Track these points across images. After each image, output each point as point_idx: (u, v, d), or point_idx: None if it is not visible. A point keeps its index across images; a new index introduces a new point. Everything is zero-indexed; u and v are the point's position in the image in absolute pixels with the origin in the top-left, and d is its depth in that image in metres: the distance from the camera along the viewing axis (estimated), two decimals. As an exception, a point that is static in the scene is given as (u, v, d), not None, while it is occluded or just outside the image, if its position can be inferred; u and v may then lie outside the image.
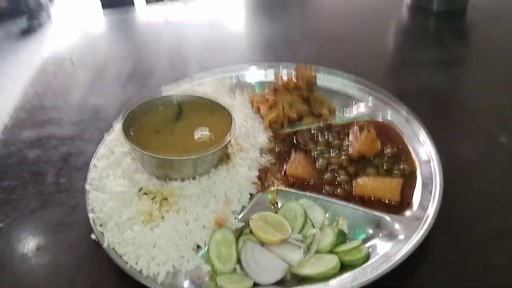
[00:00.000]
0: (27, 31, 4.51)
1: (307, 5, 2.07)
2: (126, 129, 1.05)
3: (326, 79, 1.40)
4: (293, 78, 1.36)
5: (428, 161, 1.09)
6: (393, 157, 1.13)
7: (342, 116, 1.31)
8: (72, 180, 1.15)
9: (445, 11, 1.86)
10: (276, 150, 1.19)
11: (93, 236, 0.96)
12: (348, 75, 1.38)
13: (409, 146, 1.16)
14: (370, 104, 1.30)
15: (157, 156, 0.97)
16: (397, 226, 0.94)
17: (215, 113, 1.14)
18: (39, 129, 1.35)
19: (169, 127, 1.10)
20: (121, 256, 0.90)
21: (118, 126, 1.19)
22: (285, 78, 1.38)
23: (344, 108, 1.32)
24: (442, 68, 1.55)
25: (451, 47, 1.65)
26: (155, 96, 1.17)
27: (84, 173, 1.11)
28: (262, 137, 1.21)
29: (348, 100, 1.34)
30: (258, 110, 1.33)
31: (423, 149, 1.13)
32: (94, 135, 1.30)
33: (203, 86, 1.40)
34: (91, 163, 1.12)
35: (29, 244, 0.99)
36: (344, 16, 1.87)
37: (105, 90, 1.51)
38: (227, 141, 1.03)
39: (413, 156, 1.13)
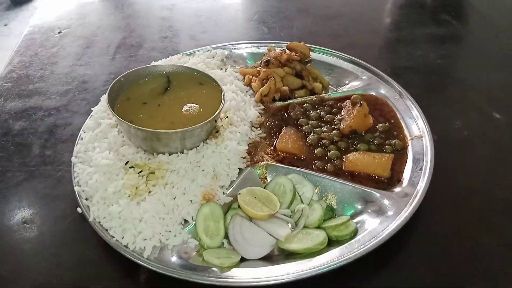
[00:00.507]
0: (19, 2, 4.28)
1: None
2: (111, 100, 1.01)
3: (320, 55, 1.35)
4: (286, 51, 1.31)
5: (420, 137, 1.06)
6: (385, 133, 1.10)
7: (335, 90, 1.27)
8: (57, 152, 1.10)
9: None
10: (267, 124, 1.15)
11: (79, 210, 0.93)
12: (342, 52, 1.34)
13: (401, 122, 1.13)
14: (364, 79, 1.26)
15: (144, 129, 0.93)
16: (386, 202, 0.92)
17: (204, 85, 1.09)
18: (25, 100, 1.28)
19: (156, 99, 1.06)
20: (107, 230, 0.88)
21: (104, 97, 1.14)
22: (278, 50, 1.32)
23: (338, 83, 1.29)
24: (438, 45, 1.50)
25: (447, 24, 1.58)
26: (143, 66, 1.12)
27: (70, 145, 1.07)
28: (253, 111, 1.17)
29: (342, 75, 1.29)
30: (249, 83, 1.28)
31: (415, 125, 1.10)
32: (81, 107, 1.25)
33: (193, 57, 1.34)
34: (78, 136, 1.08)
35: (14, 217, 0.95)
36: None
37: (93, 61, 1.44)
38: (216, 114, 0.99)
39: (405, 131, 1.10)
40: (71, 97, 1.28)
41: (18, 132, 1.16)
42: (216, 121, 1.04)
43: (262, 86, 1.23)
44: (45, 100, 1.27)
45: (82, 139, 1.06)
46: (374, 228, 0.86)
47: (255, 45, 1.43)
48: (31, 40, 1.56)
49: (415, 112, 1.12)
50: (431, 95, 1.27)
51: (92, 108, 1.14)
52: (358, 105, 1.10)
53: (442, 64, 1.42)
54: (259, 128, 1.13)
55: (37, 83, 1.34)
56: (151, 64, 1.16)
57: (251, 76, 1.29)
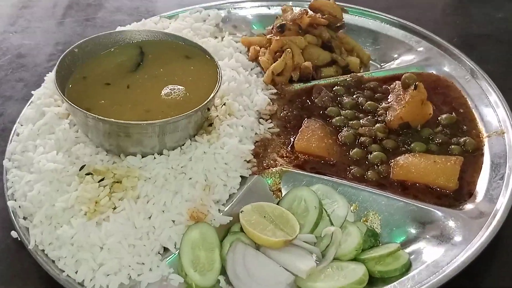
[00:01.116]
0: None
1: None
2: (61, 80, 1.03)
3: (357, 18, 1.39)
4: (309, 12, 1.34)
5: (501, 133, 1.09)
6: (451, 127, 1.13)
7: (379, 67, 1.29)
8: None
9: None
10: (281, 115, 1.17)
11: (13, 234, 0.95)
12: (389, 14, 1.38)
13: (474, 112, 1.16)
14: (420, 51, 1.29)
15: (107, 120, 0.94)
16: (452, 224, 0.94)
17: (192, 59, 1.12)
18: None
19: (124, 78, 1.08)
20: (53, 262, 0.90)
21: (50, 75, 1.16)
22: (296, 11, 1.36)
23: (383, 57, 1.32)
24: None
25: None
26: (105, 33, 1.15)
27: (2, 143, 1.11)
28: (261, 96, 1.19)
29: (389, 47, 1.32)
30: (256, 57, 1.31)
31: (494, 116, 1.13)
32: (16, 90, 1.28)
33: (175, 20, 1.38)
34: (12, 131, 1.11)
35: None
36: None
37: (33, 26, 1.48)
38: (208, 100, 1.01)
39: (479, 125, 1.13)
40: (1, 76, 1.32)
41: None
42: (209, 109, 1.06)
43: (274, 62, 1.26)
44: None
45: (18, 135, 1.08)
46: (435, 260, 0.88)
47: (264, 3, 1.47)
48: None
49: (494, 97, 1.14)
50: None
51: (32, 92, 1.16)
52: (412, 87, 1.12)
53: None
54: (270, 120, 1.15)
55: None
56: (116, 30, 1.19)
57: (258, 48, 1.32)
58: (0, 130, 1.15)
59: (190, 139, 1.04)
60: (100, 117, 0.95)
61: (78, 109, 0.96)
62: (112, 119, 0.94)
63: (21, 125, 1.11)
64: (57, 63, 1.04)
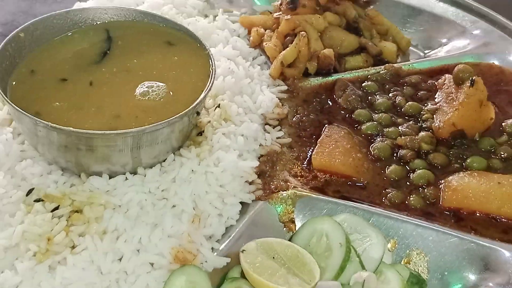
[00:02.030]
0: None
1: None
2: (2, 76, 1.02)
3: None
4: None
5: None
6: None
7: (422, 56, 1.29)
8: None
9: None
10: (294, 120, 1.17)
11: None
12: None
13: None
14: (476, 34, 1.29)
15: (63, 128, 0.93)
16: None
17: (176, 46, 1.12)
18: None
19: (86, 72, 1.08)
20: (-8, 319, 0.88)
21: None
22: None
23: (427, 43, 1.32)
24: None
25: None
26: (59, 12, 1.14)
27: None
28: (267, 95, 1.19)
29: (435, 29, 1.33)
30: (259, 42, 1.32)
31: None
32: None
33: None
34: None
35: None
36: None
37: None
38: (198, 101, 1.00)
39: None
40: None
41: None
42: (198, 113, 1.06)
43: (283, 49, 1.26)
44: None
45: None
46: (502, 317, 0.86)
47: None
48: None
49: None
50: None
51: None
52: (468, 84, 1.11)
53: None
54: (279, 127, 1.15)
55: None
56: (74, 7, 1.19)
57: (262, 30, 1.32)
58: None
59: (174, 153, 1.04)
60: (53, 124, 0.93)
61: (25, 113, 0.95)
62: (70, 128, 0.93)
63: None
64: None
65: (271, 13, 1.36)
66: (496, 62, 1.23)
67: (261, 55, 1.29)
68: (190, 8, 1.34)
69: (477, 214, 1.01)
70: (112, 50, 1.11)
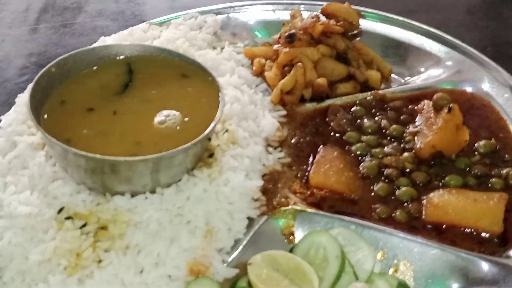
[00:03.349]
0: None
1: None
2: (36, 105, 0.95)
3: (376, 24, 1.32)
4: (321, 18, 1.27)
5: None
6: (490, 156, 1.06)
7: (403, 82, 1.24)
8: None
9: None
10: (292, 141, 1.11)
11: (-21, 292, 0.89)
12: (409, 20, 1.31)
13: None
14: (449, 65, 1.23)
15: (91, 156, 0.87)
16: (497, 274, 0.86)
17: (190, 78, 1.05)
18: None
19: (110, 102, 1.01)
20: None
21: (23, 97, 1.09)
22: (307, 16, 1.27)
23: (407, 71, 1.26)
24: None
25: None
26: (88, 48, 1.08)
27: None
28: (269, 119, 1.12)
29: (413, 58, 1.27)
30: (261, 71, 1.24)
31: None
32: None
33: (167, 28, 1.31)
34: None
35: None
36: None
37: (1, 33, 1.41)
38: (210, 129, 0.94)
39: None
40: None
41: None
42: (210, 139, 1.00)
43: (282, 77, 1.19)
44: None
45: None
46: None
47: (269, 7, 1.39)
48: None
49: None
50: None
51: (1, 117, 1.10)
52: (446, 110, 1.05)
53: None
54: (279, 148, 1.09)
55: None
56: (100, 44, 1.14)
57: (263, 60, 1.25)
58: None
59: (188, 174, 0.97)
60: (82, 152, 0.87)
61: (57, 142, 0.88)
62: (96, 155, 0.87)
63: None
64: (32, 85, 0.97)
65: (270, 44, 1.28)
66: (468, 89, 1.17)
67: (262, 82, 1.21)
68: (201, 41, 1.27)
69: (455, 228, 0.94)
70: (133, 82, 1.05)
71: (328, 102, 1.16)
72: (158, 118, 0.97)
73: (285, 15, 1.33)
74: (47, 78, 1.00)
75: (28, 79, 0.97)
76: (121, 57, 1.07)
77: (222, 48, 1.27)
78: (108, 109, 0.99)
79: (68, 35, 1.34)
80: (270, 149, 1.08)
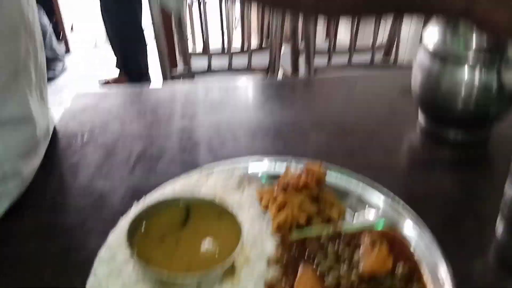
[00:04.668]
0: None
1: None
2: (130, 236, 1.09)
3: (334, 177, 1.38)
4: (303, 176, 1.38)
5: (442, 284, 1.06)
6: (405, 277, 1.13)
7: (351, 222, 1.30)
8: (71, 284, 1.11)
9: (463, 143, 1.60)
10: (284, 261, 1.20)
11: None
12: (356, 175, 1.38)
13: (421, 264, 1.14)
14: (381, 209, 1.29)
15: (161, 274, 1.01)
16: None
17: (223, 219, 1.20)
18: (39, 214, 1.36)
19: (174, 234, 1.16)
20: None
21: (123, 228, 1.19)
22: (294, 173, 1.41)
23: (354, 212, 1.30)
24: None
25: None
26: (165, 200, 1.21)
27: (83, 276, 1.08)
28: (270, 245, 1.27)
29: (358, 203, 1.32)
30: (266, 207, 1.35)
31: (436, 268, 1.10)
32: (98, 226, 1.28)
33: (211, 177, 1.46)
34: (92, 268, 1.10)
35: None
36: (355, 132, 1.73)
37: (113, 172, 1.53)
38: (236, 255, 1.07)
39: (425, 277, 1.11)
40: (87, 214, 1.33)
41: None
42: (234, 261, 1.14)
43: (279, 215, 1.28)
44: (62, 216, 1.31)
45: (95, 275, 1.06)
46: None
47: (272, 162, 1.48)
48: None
49: (433, 253, 1.12)
50: (455, 240, 1.21)
51: (109, 235, 1.19)
52: (378, 245, 1.19)
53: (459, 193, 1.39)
54: (275, 265, 1.17)
55: (57, 197, 1.40)
56: (171, 197, 1.21)
57: (267, 200, 1.36)
58: (82, 262, 1.10)
59: (219, 284, 1.05)
60: (156, 272, 0.97)
61: (141, 265, 0.99)
62: (165, 275, 0.97)
63: (98, 265, 1.07)
64: (129, 223, 1.08)
65: (272, 189, 1.36)
66: (392, 230, 1.22)
67: (267, 217, 1.28)
68: (230, 188, 1.36)
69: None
70: (189, 220, 1.18)
71: (305, 232, 1.24)
72: (204, 246, 1.08)
73: (282, 168, 1.41)
74: (139, 217, 1.09)
75: (125, 207, 1.11)
76: (182, 204, 1.17)
77: (243, 191, 1.34)
78: (173, 239, 1.09)
79: (152, 175, 1.44)
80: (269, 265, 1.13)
